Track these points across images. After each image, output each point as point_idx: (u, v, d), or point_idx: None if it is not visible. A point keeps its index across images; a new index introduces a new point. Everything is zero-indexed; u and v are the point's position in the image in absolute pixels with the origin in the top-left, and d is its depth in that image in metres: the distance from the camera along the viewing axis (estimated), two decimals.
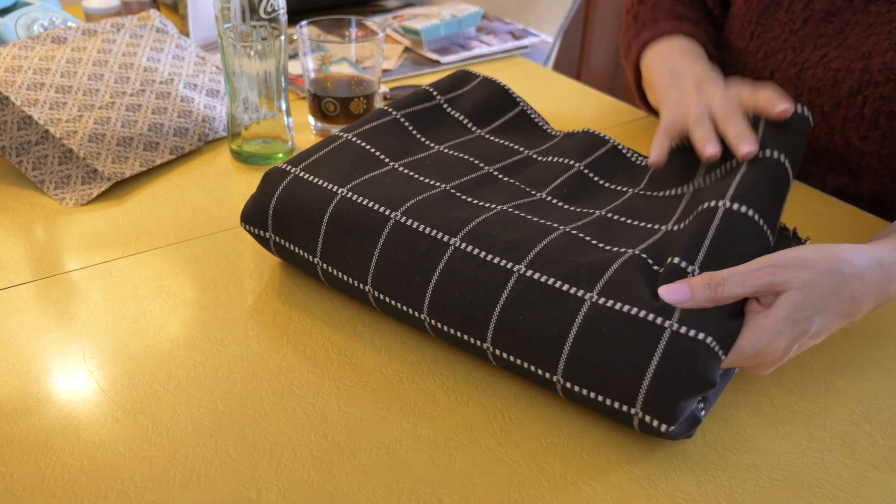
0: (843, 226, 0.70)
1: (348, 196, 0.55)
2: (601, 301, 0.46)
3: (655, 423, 0.44)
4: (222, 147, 0.81)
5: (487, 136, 0.67)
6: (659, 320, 0.44)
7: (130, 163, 0.74)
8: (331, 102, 0.81)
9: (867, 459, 0.46)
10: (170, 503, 0.42)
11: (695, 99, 0.62)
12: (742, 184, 0.51)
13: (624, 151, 0.64)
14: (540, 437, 0.47)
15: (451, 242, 0.51)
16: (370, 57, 0.80)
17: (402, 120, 0.65)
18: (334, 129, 0.83)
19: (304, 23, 0.81)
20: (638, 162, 0.64)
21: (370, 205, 0.54)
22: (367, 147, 0.61)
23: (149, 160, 0.75)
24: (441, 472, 0.44)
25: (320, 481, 0.44)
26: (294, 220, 0.56)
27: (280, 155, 0.78)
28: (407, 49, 1.07)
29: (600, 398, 0.45)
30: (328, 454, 0.45)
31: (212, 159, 0.78)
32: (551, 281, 0.47)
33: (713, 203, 0.50)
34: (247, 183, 0.74)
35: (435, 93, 0.69)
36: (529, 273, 0.48)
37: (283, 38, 0.73)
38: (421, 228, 0.52)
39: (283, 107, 0.76)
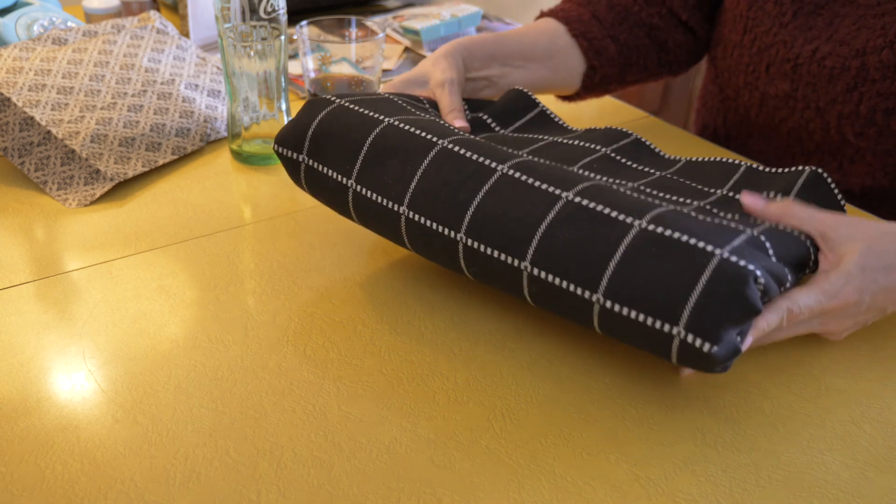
0: None
1: (395, 123, 0.55)
2: (651, 227, 0.45)
3: (698, 342, 0.42)
4: (223, 147, 0.81)
5: (511, 133, 0.68)
6: (710, 248, 0.43)
7: (133, 163, 0.74)
8: None
9: (867, 459, 0.46)
10: (170, 503, 0.42)
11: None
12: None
13: (648, 144, 0.64)
14: (540, 437, 0.47)
15: (499, 168, 0.50)
16: (370, 57, 0.80)
17: (433, 116, 0.66)
18: None
19: (304, 23, 0.81)
20: (662, 154, 0.63)
21: (417, 132, 0.54)
22: (409, 107, 0.61)
23: (151, 160, 0.75)
24: (441, 472, 0.44)
25: (320, 481, 0.44)
26: (333, 142, 0.56)
27: None
28: (407, 49, 1.07)
29: (641, 317, 0.44)
30: (328, 454, 0.45)
31: (212, 159, 0.78)
32: (600, 208, 0.47)
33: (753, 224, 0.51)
34: (247, 183, 0.74)
35: None
36: (578, 199, 0.47)
37: (283, 38, 0.73)
38: (468, 155, 0.51)
39: (284, 107, 0.76)
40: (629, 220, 0.46)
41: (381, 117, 0.55)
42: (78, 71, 0.78)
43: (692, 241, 0.44)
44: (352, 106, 0.57)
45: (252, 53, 0.71)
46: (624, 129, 0.64)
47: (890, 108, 0.69)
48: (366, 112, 0.56)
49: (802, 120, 0.76)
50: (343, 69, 0.81)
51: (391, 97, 0.62)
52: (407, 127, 0.54)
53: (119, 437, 0.46)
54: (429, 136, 0.53)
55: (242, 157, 0.78)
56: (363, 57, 0.80)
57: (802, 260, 0.50)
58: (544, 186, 0.48)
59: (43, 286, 0.59)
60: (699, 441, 0.47)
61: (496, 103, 0.71)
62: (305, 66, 0.81)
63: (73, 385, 0.50)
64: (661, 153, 0.64)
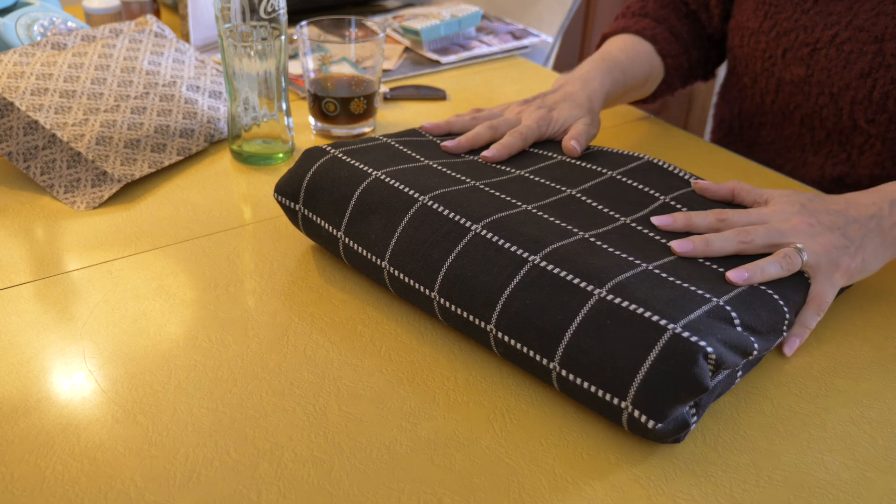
0: None
1: (381, 178, 0.57)
2: (609, 297, 0.46)
3: (643, 418, 0.44)
4: (223, 147, 0.81)
5: (529, 148, 0.68)
6: (663, 322, 0.44)
7: (139, 164, 0.74)
8: (331, 102, 0.81)
9: (867, 460, 0.46)
10: (170, 503, 0.42)
11: (523, 111, 0.71)
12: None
13: (661, 164, 0.63)
14: (540, 437, 0.47)
15: (472, 228, 0.52)
16: (370, 57, 0.80)
17: (437, 141, 0.68)
18: (334, 130, 0.83)
19: (304, 23, 0.81)
20: (676, 171, 0.62)
21: (400, 187, 0.56)
22: (404, 149, 0.63)
23: (157, 161, 0.75)
24: (441, 473, 0.44)
25: (320, 481, 0.44)
26: (325, 195, 0.58)
27: (280, 155, 0.78)
28: (407, 49, 1.07)
29: (593, 389, 0.45)
30: (328, 454, 0.45)
31: (212, 160, 0.79)
32: (563, 273, 0.48)
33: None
34: (247, 183, 0.74)
35: None
36: (543, 264, 0.49)
37: (283, 38, 0.73)
38: (445, 213, 0.53)
39: (284, 107, 0.76)
40: (590, 287, 0.47)
41: (370, 170, 0.58)
42: (79, 75, 0.78)
43: (647, 313, 0.45)
44: (344, 157, 0.60)
45: (252, 53, 0.71)
46: (636, 154, 0.64)
47: None
48: (356, 164, 0.59)
49: (816, 106, 0.77)
50: (343, 69, 0.81)
51: (389, 142, 0.64)
52: (392, 181, 0.56)
53: (119, 437, 0.46)
54: (411, 192, 0.55)
55: (242, 158, 0.78)
56: (363, 57, 0.80)
57: (775, 325, 0.50)
58: (513, 249, 0.50)
59: (43, 286, 0.59)
60: (699, 441, 0.47)
61: None
62: (305, 66, 0.81)
63: (73, 385, 0.50)
64: (674, 170, 0.62)
